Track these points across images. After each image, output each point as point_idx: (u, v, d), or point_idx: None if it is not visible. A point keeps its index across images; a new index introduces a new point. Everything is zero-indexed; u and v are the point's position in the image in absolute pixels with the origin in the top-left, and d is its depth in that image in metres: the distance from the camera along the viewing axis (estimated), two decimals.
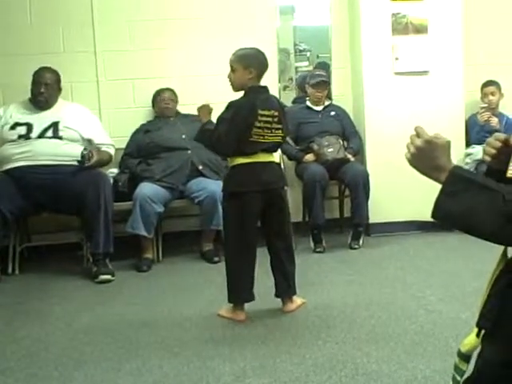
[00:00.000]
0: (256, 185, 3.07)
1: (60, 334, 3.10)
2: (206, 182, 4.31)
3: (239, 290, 3.15)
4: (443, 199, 1.27)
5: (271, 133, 3.10)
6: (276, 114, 3.10)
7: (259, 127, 3.06)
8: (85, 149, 4.15)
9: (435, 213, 1.29)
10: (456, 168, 1.29)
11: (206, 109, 3.18)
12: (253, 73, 3.07)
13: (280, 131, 3.13)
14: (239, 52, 3.13)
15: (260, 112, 3.05)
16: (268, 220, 3.20)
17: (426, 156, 1.32)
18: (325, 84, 4.85)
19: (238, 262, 3.13)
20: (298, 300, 3.29)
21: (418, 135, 1.35)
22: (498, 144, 1.38)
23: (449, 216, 1.27)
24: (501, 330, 1.29)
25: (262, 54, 3.15)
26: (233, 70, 3.10)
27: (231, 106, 3.10)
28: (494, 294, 1.33)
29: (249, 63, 3.06)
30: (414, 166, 1.35)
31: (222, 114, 3.13)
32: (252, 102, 3.06)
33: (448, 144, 1.33)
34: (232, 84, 3.12)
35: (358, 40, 4.84)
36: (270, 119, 3.09)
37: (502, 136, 1.40)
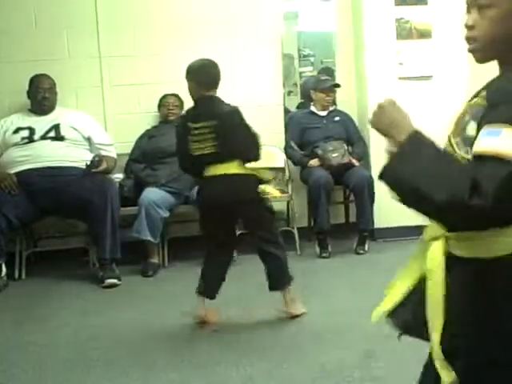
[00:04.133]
0: (207, 201, 3.15)
1: (66, 339, 3.11)
2: None
3: (204, 284, 3.20)
4: (397, 161, 1.18)
5: (211, 144, 3.05)
6: (213, 123, 3.04)
7: (195, 141, 3.05)
8: (96, 155, 4.24)
9: (384, 174, 1.19)
10: (418, 131, 1.22)
11: None
12: (192, 85, 3.11)
13: (213, 141, 3.04)
14: (188, 64, 3.18)
15: (192, 126, 3.06)
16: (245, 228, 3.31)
17: (388, 114, 1.28)
18: (335, 87, 4.87)
19: (209, 263, 3.25)
20: (301, 308, 3.24)
21: None
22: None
23: (400, 178, 1.17)
24: (486, 329, 1.21)
25: (209, 65, 3.15)
26: None
27: None
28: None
29: (189, 75, 3.13)
30: (376, 126, 1.29)
31: None
32: (185, 117, 3.15)
33: (408, 114, 1.30)
34: None
35: (362, 45, 4.85)
36: (205, 130, 3.05)
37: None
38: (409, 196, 1.15)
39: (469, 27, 1.26)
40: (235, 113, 3.12)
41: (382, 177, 1.19)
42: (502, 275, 1.19)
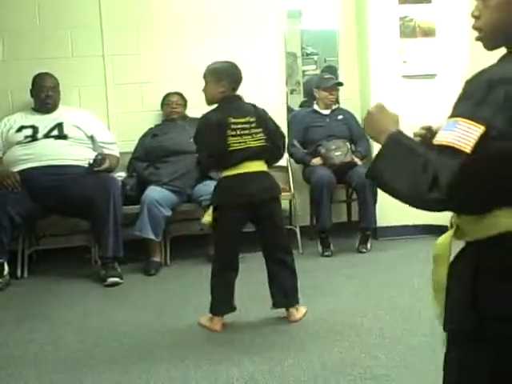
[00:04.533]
0: (240, 198, 3.05)
1: (68, 337, 3.11)
2: (213, 186, 4.30)
3: (220, 302, 3.12)
4: (376, 160, 1.32)
5: (252, 138, 3.08)
6: (252, 119, 3.09)
7: (235, 135, 3.05)
8: (99, 154, 4.26)
9: (368, 172, 1.35)
10: (396, 132, 1.33)
11: None
12: (224, 86, 3.09)
13: (261, 134, 3.11)
14: (212, 66, 3.17)
15: (232, 120, 3.05)
16: (260, 231, 3.20)
17: (375, 119, 1.40)
18: (338, 85, 4.86)
19: (221, 274, 3.11)
20: (303, 309, 3.22)
21: None
22: (423, 132, 1.47)
23: (378, 177, 1.33)
24: (494, 329, 1.23)
25: (236, 66, 3.17)
26: (206, 83, 3.14)
27: (200, 120, 3.16)
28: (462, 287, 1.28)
29: (220, 77, 3.10)
30: (367, 131, 1.43)
31: (195, 132, 3.18)
32: (221, 112, 3.08)
33: (398, 116, 1.41)
34: (205, 97, 3.16)
35: (366, 43, 4.84)
36: (246, 125, 3.08)
37: (425, 125, 1.50)
38: (384, 190, 1.31)
39: (475, 17, 1.33)
40: (266, 112, 3.23)
41: (366, 175, 1.37)
42: (489, 254, 1.25)
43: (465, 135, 1.15)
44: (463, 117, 1.17)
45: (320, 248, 4.50)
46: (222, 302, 3.12)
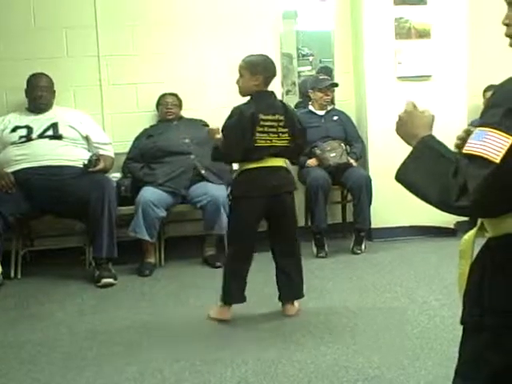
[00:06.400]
0: (262, 190, 3.10)
1: (62, 338, 3.10)
2: (208, 187, 4.30)
3: (231, 291, 3.18)
4: (407, 163, 1.34)
5: (278, 137, 3.11)
6: (281, 118, 3.12)
7: (263, 132, 3.07)
8: (94, 154, 4.25)
9: (396, 174, 1.36)
10: (427, 137, 1.35)
11: (213, 131, 3.19)
12: (259, 79, 3.10)
13: (286, 135, 3.14)
14: (248, 58, 3.17)
15: (262, 117, 3.07)
16: (274, 225, 3.23)
17: (406, 124, 1.43)
18: (334, 86, 4.86)
19: (234, 264, 3.18)
20: (297, 305, 3.27)
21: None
22: (463, 135, 1.46)
23: (406, 180, 1.35)
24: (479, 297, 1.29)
25: (271, 61, 3.19)
26: (241, 75, 3.14)
27: (234, 111, 3.13)
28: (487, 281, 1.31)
29: (256, 70, 3.10)
30: (398, 134, 1.45)
31: (226, 120, 3.16)
32: (253, 107, 3.08)
33: (431, 117, 1.44)
34: (239, 89, 3.16)
35: (361, 44, 4.84)
36: (274, 123, 3.10)
37: (467, 128, 1.48)
38: (413, 193, 1.33)
39: (506, 25, 1.37)
40: (294, 110, 3.29)
41: (395, 177, 1.38)
42: (501, 250, 1.29)
43: (494, 146, 1.16)
44: (492, 127, 1.18)
45: (315, 249, 4.49)
46: (234, 292, 3.17)
